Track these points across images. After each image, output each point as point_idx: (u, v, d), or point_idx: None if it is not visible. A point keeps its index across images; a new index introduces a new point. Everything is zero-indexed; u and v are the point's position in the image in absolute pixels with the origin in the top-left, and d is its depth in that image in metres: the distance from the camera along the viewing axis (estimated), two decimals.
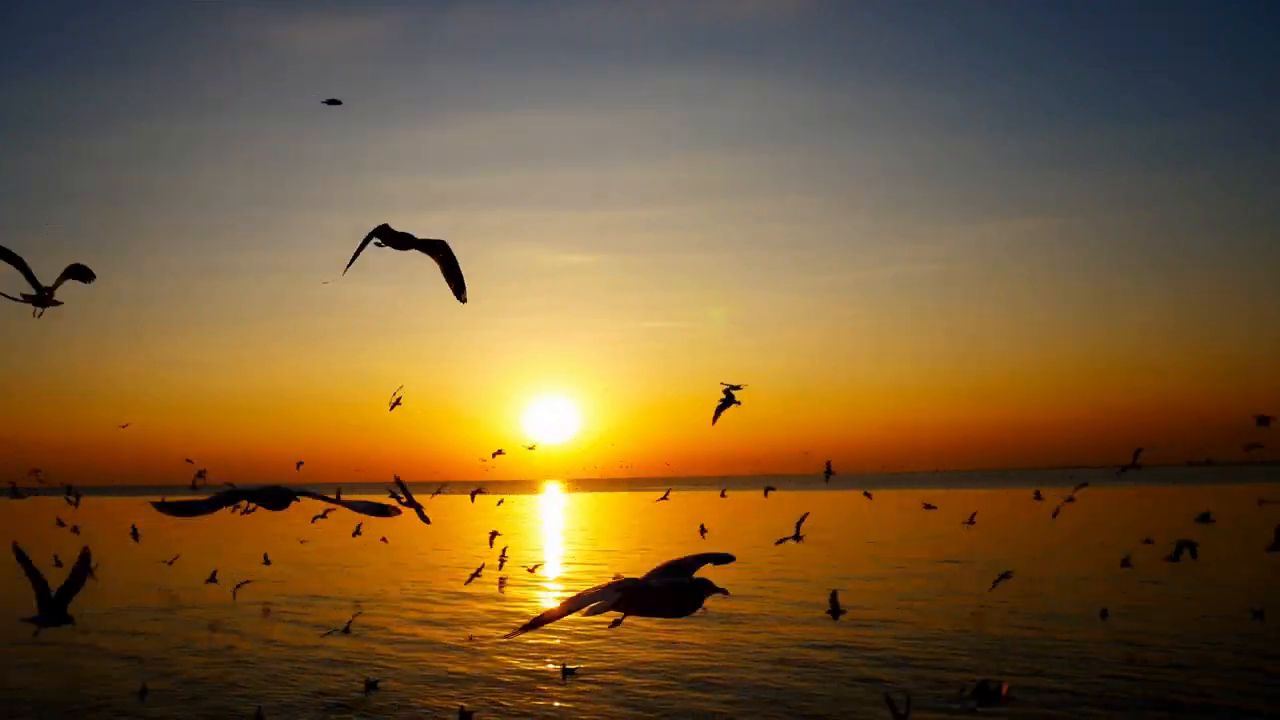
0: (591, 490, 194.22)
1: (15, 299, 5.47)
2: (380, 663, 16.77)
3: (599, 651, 17.76)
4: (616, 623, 3.53)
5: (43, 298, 5.55)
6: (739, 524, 52.50)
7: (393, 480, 8.27)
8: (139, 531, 26.89)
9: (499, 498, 53.62)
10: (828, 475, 18.58)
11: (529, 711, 13.55)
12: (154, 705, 14.01)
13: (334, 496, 4.62)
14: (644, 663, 16.62)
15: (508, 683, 15.31)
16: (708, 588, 3.46)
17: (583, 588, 3.53)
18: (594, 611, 3.23)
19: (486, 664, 16.80)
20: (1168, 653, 16.23)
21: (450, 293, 5.07)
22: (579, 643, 18.73)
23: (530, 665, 16.65)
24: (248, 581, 24.76)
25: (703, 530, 30.07)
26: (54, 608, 6.49)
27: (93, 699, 14.47)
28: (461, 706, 12.84)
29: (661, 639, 18.68)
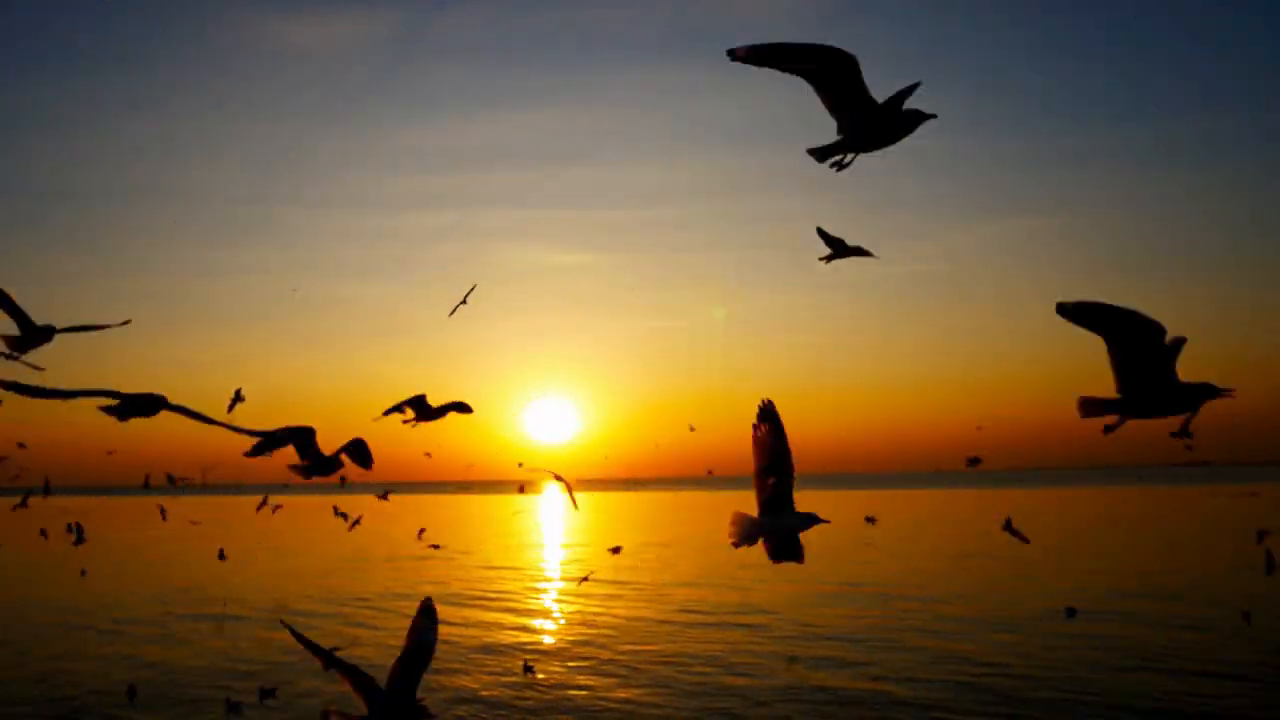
0: (592, 490, 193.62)
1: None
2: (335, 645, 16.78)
3: (564, 647, 17.87)
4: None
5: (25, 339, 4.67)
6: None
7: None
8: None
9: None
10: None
11: (489, 706, 13.54)
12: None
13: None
14: (609, 659, 16.66)
15: (468, 676, 15.26)
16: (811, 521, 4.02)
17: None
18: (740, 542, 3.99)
19: (451, 657, 16.68)
20: None
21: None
22: (543, 638, 18.87)
23: (492, 659, 16.67)
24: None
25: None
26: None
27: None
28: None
29: (630, 635, 18.76)
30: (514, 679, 15.05)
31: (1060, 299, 3.29)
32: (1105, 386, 3.46)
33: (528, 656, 16.47)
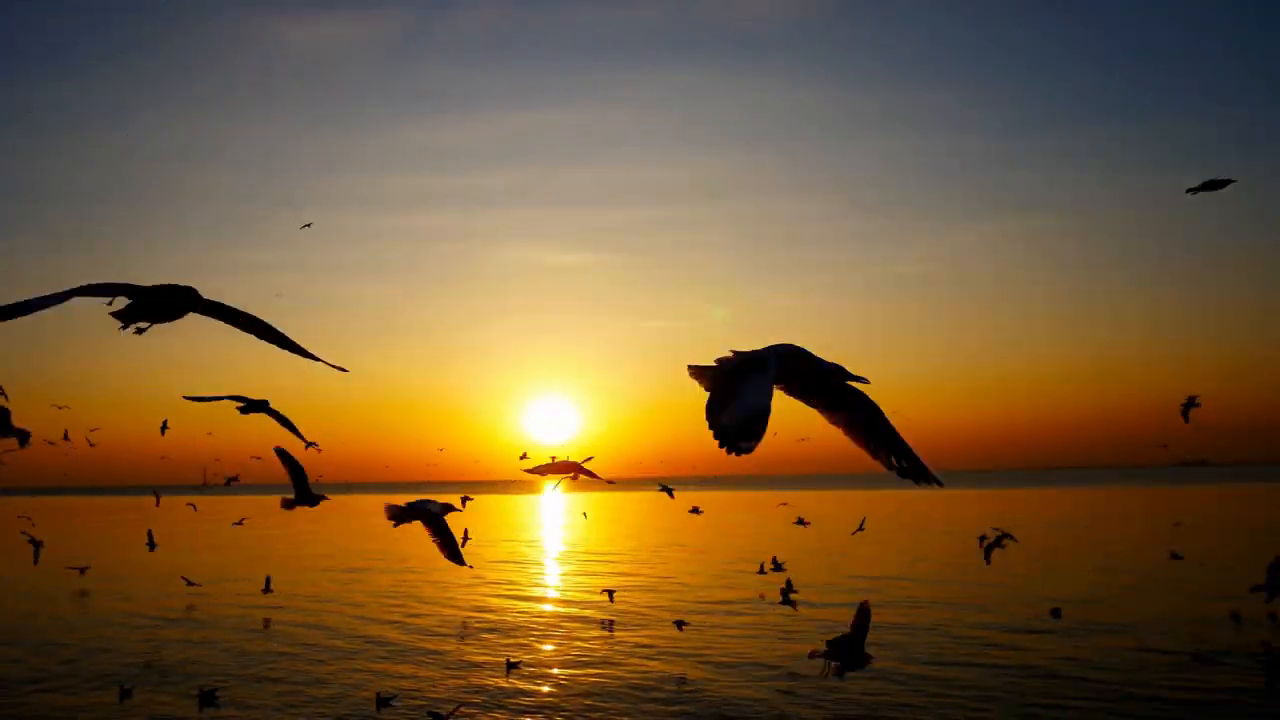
0: (591, 490, 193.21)
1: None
2: (316, 652, 16.72)
3: (547, 645, 17.80)
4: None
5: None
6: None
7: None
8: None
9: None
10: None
11: (473, 704, 13.40)
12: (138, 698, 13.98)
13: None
14: (594, 657, 16.56)
15: (451, 674, 15.17)
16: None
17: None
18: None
19: (433, 654, 16.62)
20: None
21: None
22: (526, 636, 18.79)
23: (475, 657, 16.56)
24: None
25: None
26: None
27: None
28: (378, 693, 12.62)
29: (610, 634, 18.70)
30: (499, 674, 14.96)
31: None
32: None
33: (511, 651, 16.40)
